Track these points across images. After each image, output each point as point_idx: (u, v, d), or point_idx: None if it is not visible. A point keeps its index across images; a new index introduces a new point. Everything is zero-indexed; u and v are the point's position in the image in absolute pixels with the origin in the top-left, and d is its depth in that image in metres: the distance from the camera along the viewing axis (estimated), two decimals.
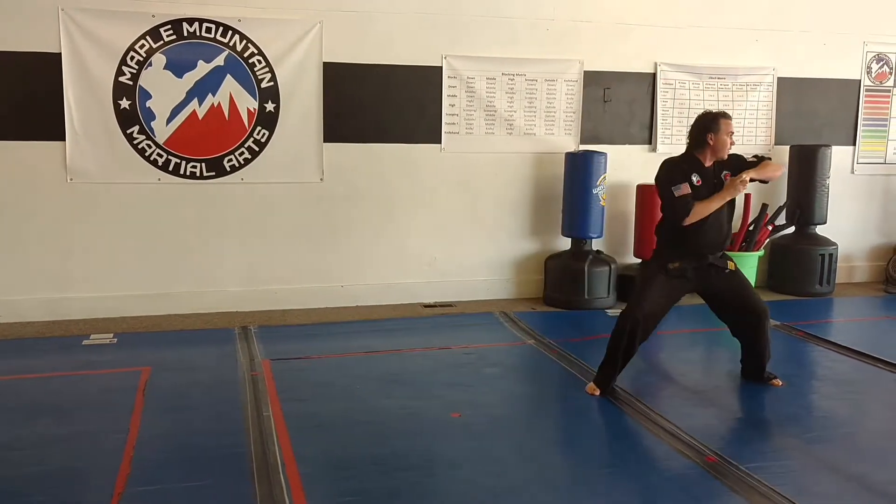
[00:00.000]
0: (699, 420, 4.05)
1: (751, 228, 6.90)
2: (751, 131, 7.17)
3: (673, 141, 6.95)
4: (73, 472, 3.38)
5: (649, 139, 6.95)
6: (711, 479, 3.37)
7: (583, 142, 6.75)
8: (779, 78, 7.16)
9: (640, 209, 6.75)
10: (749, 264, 6.86)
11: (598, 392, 4.37)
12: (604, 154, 6.48)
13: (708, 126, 4.33)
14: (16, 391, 4.36)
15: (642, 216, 6.73)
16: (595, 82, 6.73)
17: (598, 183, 6.42)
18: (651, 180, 6.71)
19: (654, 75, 6.86)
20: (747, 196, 6.94)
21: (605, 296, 6.45)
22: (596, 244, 6.66)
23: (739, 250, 6.84)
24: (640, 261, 6.84)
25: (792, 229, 7.16)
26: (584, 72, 6.68)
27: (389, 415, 4.07)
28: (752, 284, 5.15)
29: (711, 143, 4.33)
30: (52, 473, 3.35)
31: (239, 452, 3.56)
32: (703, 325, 6.20)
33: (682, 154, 4.51)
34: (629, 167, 6.84)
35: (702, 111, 4.54)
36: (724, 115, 4.38)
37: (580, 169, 6.45)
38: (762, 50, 7.08)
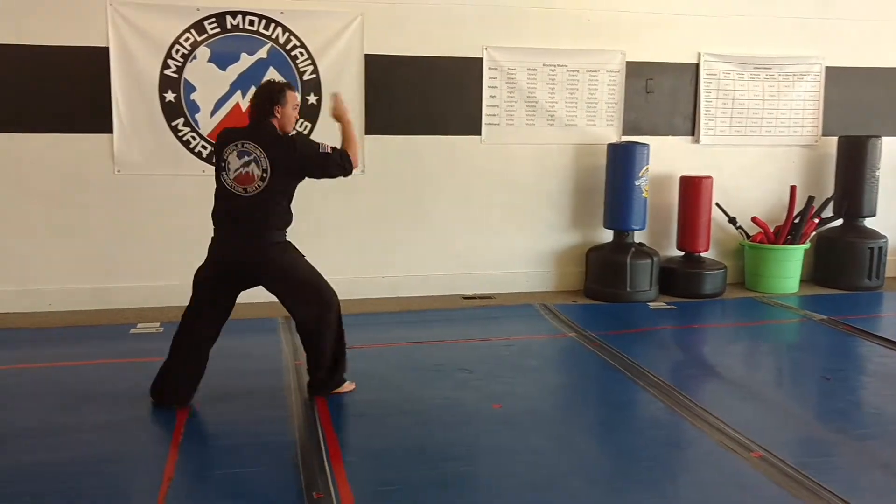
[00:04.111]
0: (744, 414, 3.99)
1: (796, 221, 6.78)
2: (797, 122, 7.03)
3: (717, 132, 6.85)
4: (123, 457, 3.45)
5: (692, 130, 6.85)
6: (759, 474, 3.32)
7: (625, 133, 6.68)
8: (827, 67, 7.00)
9: (684, 201, 6.67)
10: (794, 257, 6.75)
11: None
12: (646, 145, 6.42)
13: (276, 98, 3.93)
14: (66, 377, 4.46)
15: (685, 208, 6.66)
16: (637, 73, 6.65)
17: (640, 174, 6.36)
18: (694, 171, 6.69)
19: (697, 65, 6.76)
20: (792, 188, 6.82)
21: (648, 289, 6.39)
22: (638, 236, 6.60)
23: (785, 243, 6.73)
24: (682, 253, 6.77)
25: (840, 222, 7.01)
26: (626, 62, 6.61)
27: (431, 405, 4.09)
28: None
29: (279, 115, 3.96)
30: (103, 458, 3.42)
31: (284, 440, 3.61)
32: (748, 319, 6.13)
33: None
34: (672, 158, 6.76)
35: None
36: (290, 87, 4.03)
37: (622, 160, 6.39)
38: (809, 39, 6.93)
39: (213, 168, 5.84)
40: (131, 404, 4.01)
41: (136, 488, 3.19)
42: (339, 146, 4.07)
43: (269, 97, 3.91)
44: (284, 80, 4.61)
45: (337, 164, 3.99)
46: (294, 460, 3.41)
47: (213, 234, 3.97)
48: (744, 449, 3.56)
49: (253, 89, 4.20)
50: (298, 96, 4.05)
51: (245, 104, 5.86)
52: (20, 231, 5.74)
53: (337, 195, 6.14)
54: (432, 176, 6.38)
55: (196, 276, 3.96)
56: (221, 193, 3.92)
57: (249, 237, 3.87)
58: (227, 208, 3.89)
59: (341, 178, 4.10)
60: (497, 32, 6.33)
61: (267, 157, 3.82)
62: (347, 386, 4.19)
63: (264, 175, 3.82)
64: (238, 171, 3.82)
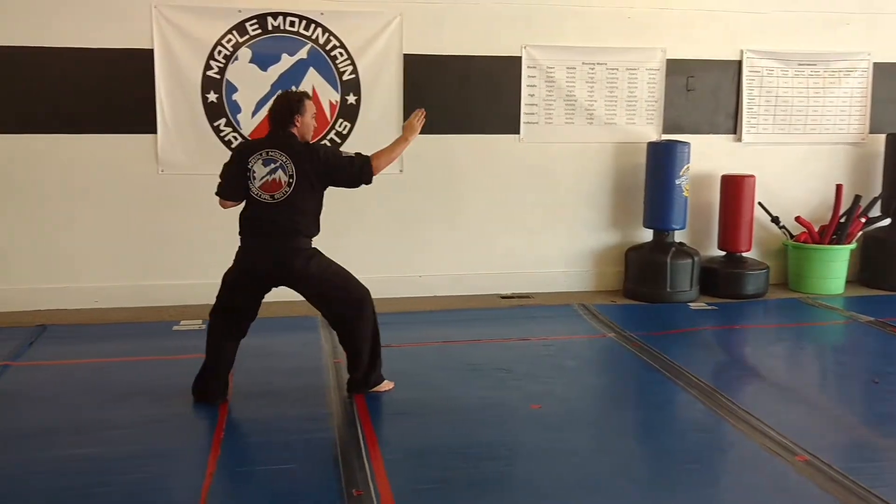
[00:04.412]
0: (788, 417, 3.92)
1: (842, 220, 6.64)
2: (843, 119, 6.88)
3: (760, 130, 6.74)
4: (166, 451, 3.51)
5: (734, 128, 6.75)
6: (804, 479, 3.27)
7: (665, 131, 6.61)
8: (874, 63, 6.84)
9: (725, 200, 6.58)
10: (840, 258, 6.62)
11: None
12: (687, 144, 6.34)
13: (295, 108, 3.96)
14: (111, 373, 4.55)
15: (727, 207, 6.56)
16: (678, 70, 6.57)
17: (681, 173, 6.28)
18: (736, 170, 6.59)
19: (739, 62, 6.66)
20: (838, 187, 6.68)
21: (688, 289, 6.31)
22: (678, 236, 6.53)
23: (830, 243, 6.60)
24: (724, 253, 6.67)
25: (887, 221, 6.85)
26: (667, 60, 6.53)
27: (469, 404, 4.08)
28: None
29: (298, 125, 3.98)
30: (147, 453, 3.48)
31: (324, 437, 3.64)
32: (791, 321, 6.03)
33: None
34: (713, 157, 6.67)
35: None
36: (307, 97, 4.07)
37: (662, 159, 6.32)
38: (856, 34, 6.78)
39: None
40: (174, 400, 4.08)
41: (179, 483, 3.24)
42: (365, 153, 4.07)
43: (288, 107, 3.96)
44: (302, 91, 4.67)
45: (358, 171, 4.01)
46: (334, 457, 3.44)
47: (240, 243, 4.00)
48: (788, 452, 3.50)
49: (270, 101, 4.25)
50: (314, 107, 4.11)
51: None
52: (67, 229, 5.87)
53: (375, 194, 6.14)
54: (470, 175, 6.37)
55: (224, 278, 4.00)
56: (247, 203, 3.96)
57: (277, 245, 3.91)
58: (255, 216, 3.93)
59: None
60: (536, 31, 6.30)
61: (293, 164, 3.87)
62: (386, 385, 4.21)
63: (290, 181, 3.86)
64: (264, 179, 3.86)
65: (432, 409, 4.01)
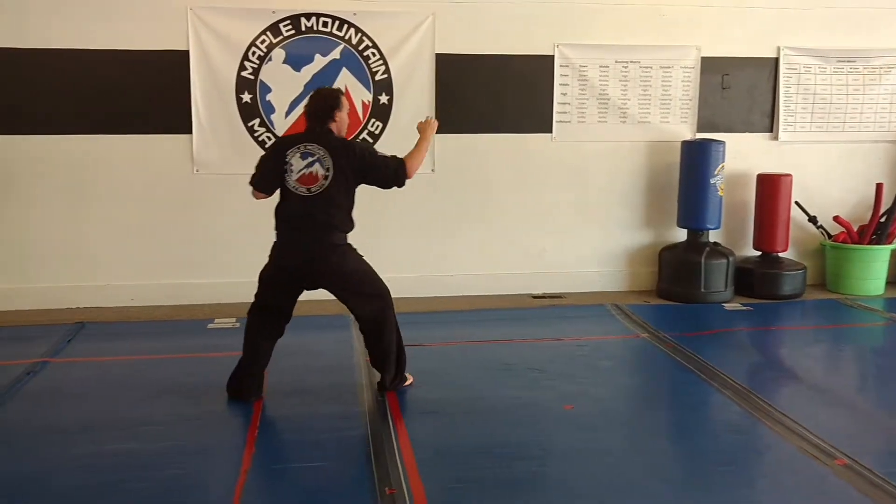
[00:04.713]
0: (827, 420, 3.85)
1: (882, 220, 6.51)
2: (884, 117, 6.75)
3: (797, 128, 6.63)
4: (202, 448, 3.55)
5: (770, 127, 6.66)
6: (843, 483, 3.20)
7: (699, 130, 6.53)
8: None
9: (761, 199, 6.49)
10: (880, 258, 6.49)
11: None
12: (722, 142, 6.26)
13: (334, 104, 4.03)
14: (148, 371, 4.62)
15: (763, 206, 6.47)
16: (713, 68, 6.50)
17: (715, 172, 6.21)
18: (772, 169, 6.50)
19: (776, 60, 6.56)
20: (879, 186, 6.55)
21: (723, 289, 6.23)
22: (713, 235, 6.45)
23: (870, 243, 6.47)
24: (759, 253, 6.58)
25: None
26: (702, 58, 6.46)
27: (501, 404, 4.07)
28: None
29: (336, 120, 4.01)
30: (183, 449, 3.53)
31: (356, 435, 3.65)
32: (829, 322, 5.92)
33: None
34: (749, 156, 6.59)
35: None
36: (343, 94, 4.18)
37: (697, 158, 6.25)
38: None
39: None
40: (209, 397, 4.12)
41: (214, 479, 3.27)
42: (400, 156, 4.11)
43: (327, 103, 4.01)
44: (337, 87, 4.74)
45: (392, 174, 4.06)
46: (366, 455, 3.45)
47: (276, 238, 4.03)
48: (826, 456, 3.43)
49: (305, 100, 4.25)
50: (349, 104, 4.18)
51: None
52: (105, 228, 5.97)
53: (407, 194, 6.11)
54: (502, 174, 6.36)
55: (260, 276, 4.03)
56: (283, 196, 3.98)
57: (313, 238, 3.93)
58: (291, 210, 3.94)
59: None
60: (569, 29, 6.27)
61: (330, 158, 3.89)
62: (409, 378, 4.25)
63: (327, 174, 3.89)
64: (301, 172, 3.88)
65: (464, 409, 4.00)
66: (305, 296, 5.97)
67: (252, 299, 4.08)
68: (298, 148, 3.92)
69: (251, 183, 4.04)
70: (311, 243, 3.93)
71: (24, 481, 3.23)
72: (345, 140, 4.06)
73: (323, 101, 4.03)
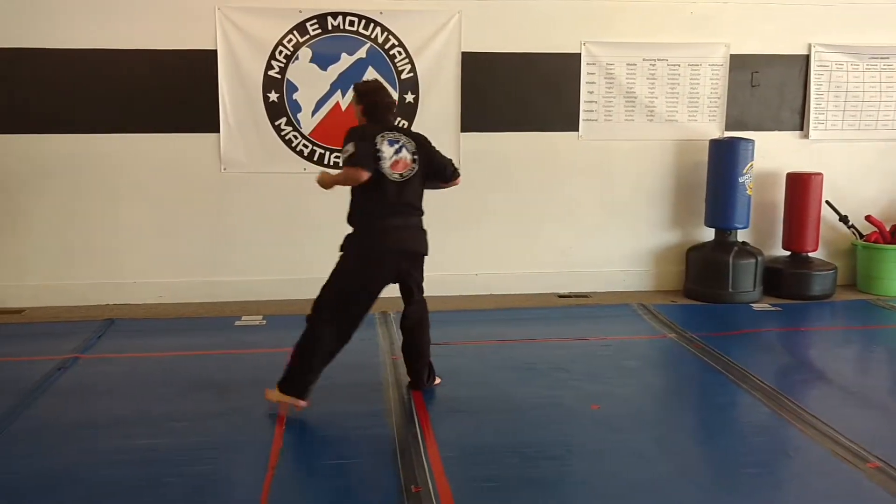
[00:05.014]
0: (858, 422, 3.80)
1: None
2: None
3: (828, 126, 6.54)
4: (230, 444, 3.58)
5: (801, 125, 6.57)
6: (875, 486, 3.16)
7: (728, 128, 6.47)
8: None
9: (791, 198, 6.41)
10: None
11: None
12: (751, 141, 6.19)
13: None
14: (177, 367, 4.66)
15: (792, 206, 6.39)
16: (742, 66, 6.42)
17: (744, 171, 6.14)
18: (803, 168, 6.42)
19: (807, 57, 6.47)
20: None
21: (751, 289, 6.16)
22: (741, 235, 6.38)
23: None
24: (789, 253, 6.50)
25: None
26: (731, 55, 6.39)
27: (527, 403, 4.06)
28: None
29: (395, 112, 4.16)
30: (211, 445, 3.56)
31: (382, 434, 3.66)
32: (860, 323, 5.84)
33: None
34: (778, 154, 6.51)
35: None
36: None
37: (725, 156, 6.19)
38: None
39: (313, 166, 6.07)
40: (237, 394, 4.16)
41: (242, 475, 3.30)
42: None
43: (391, 96, 4.11)
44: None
45: (451, 173, 4.15)
46: (392, 453, 3.46)
47: (365, 229, 3.90)
48: (858, 459, 3.39)
49: (351, 90, 4.23)
50: None
51: (345, 103, 5.99)
52: (133, 226, 6.03)
53: (431, 191, 6.17)
54: (528, 173, 6.34)
55: (341, 279, 3.86)
56: (376, 183, 3.84)
57: (411, 224, 3.99)
58: (388, 197, 3.88)
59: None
60: (595, 27, 6.23)
61: (413, 143, 3.96)
62: (438, 379, 4.28)
63: (415, 159, 3.94)
64: (393, 158, 3.88)
65: (490, 408, 4.00)
66: None
67: (312, 309, 3.91)
68: (384, 136, 3.90)
69: (354, 164, 3.76)
70: (411, 229, 3.99)
71: (55, 475, 3.28)
72: (415, 131, 4.19)
73: (388, 94, 4.14)
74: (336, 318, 3.86)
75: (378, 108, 4.02)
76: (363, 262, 3.90)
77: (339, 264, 3.93)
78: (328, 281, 3.91)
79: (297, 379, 3.85)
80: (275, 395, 3.88)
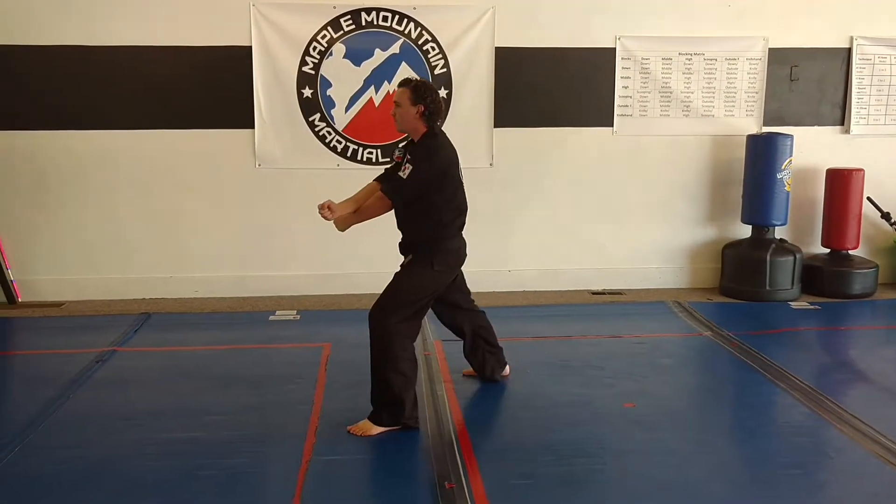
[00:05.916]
0: None
1: None
2: None
3: (870, 121, 6.40)
4: (266, 438, 3.61)
5: (841, 120, 6.44)
6: None
7: (766, 123, 6.36)
8: None
9: (830, 195, 6.29)
10: None
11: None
12: (789, 136, 6.08)
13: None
14: (212, 361, 4.71)
15: (832, 202, 6.27)
16: (781, 60, 6.31)
17: (782, 167, 6.03)
18: (843, 164, 6.29)
19: (849, 50, 6.34)
20: None
21: (789, 287, 6.06)
22: (779, 232, 6.27)
23: None
24: (828, 250, 6.38)
25: None
26: (769, 49, 6.28)
27: (560, 401, 4.04)
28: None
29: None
30: (247, 438, 3.59)
31: (416, 429, 3.65)
32: None
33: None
34: (818, 150, 6.38)
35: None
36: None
37: (763, 152, 6.08)
38: None
39: (347, 162, 6.09)
40: (271, 388, 4.19)
41: (277, 469, 3.32)
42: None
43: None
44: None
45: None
46: (425, 449, 3.46)
47: (447, 236, 3.89)
48: None
49: (404, 86, 3.86)
50: None
51: (378, 100, 5.99)
52: (169, 221, 6.10)
53: (466, 188, 6.16)
54: (562, 168, 6.29)
55: (422, 292, 3.79)
56: (455, 193, 3.92)
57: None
58: (465, 203, 4.00)
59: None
60: (630, 21, 6.16)
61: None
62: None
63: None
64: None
65: (523, 405, 3.99)
66: (363, 289, 6.01)
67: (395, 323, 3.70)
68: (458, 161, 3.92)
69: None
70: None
71: (94, 466, 3.33)
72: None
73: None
74: (407, 321, 3.74)
75: (440, 114, 3.87)
76: (449, 269, 3.91)
77: (416, 269, 3.81)
78: (401, 286, 3.79)
79: (397, 401, 3.62)
80: (374, 429, 3.63)
